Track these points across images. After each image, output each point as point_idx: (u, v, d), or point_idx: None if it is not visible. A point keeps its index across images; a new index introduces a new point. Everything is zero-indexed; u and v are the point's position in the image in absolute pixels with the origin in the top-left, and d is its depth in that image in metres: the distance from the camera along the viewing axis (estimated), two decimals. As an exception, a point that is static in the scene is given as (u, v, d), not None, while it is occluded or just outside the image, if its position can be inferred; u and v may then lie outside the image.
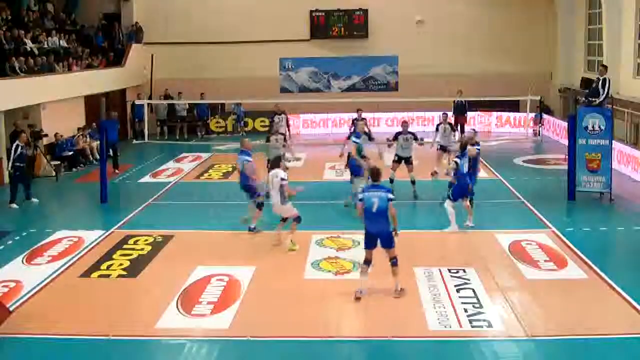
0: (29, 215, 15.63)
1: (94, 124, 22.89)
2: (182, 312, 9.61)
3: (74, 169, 20.80)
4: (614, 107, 17.33)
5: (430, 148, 18.40)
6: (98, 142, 19.98)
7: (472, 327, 9.00)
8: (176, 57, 28.21)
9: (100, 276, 11.23)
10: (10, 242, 13.27)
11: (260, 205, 13.41)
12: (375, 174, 10.16)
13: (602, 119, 15.55)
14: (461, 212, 13.34)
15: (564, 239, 12.68)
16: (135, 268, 11.51)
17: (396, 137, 16.29)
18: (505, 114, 27.50)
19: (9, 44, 20.70)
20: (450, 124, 19.06)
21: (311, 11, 28.42)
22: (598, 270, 10.93)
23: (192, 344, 8.69)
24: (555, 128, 25.12)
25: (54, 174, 19.30)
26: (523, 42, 27.87)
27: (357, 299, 9.93)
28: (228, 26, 28.10)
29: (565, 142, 17.34)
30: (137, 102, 26.55)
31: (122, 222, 14.41)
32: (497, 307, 9.61)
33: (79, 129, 22.37)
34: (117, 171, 20.06)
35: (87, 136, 22.22)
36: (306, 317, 9.41)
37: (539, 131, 26.07)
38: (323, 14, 28.47)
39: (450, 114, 24.83)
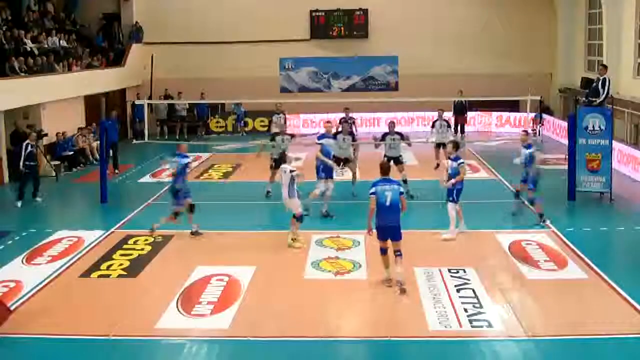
0: (29, 215, 15.64)
1: (94, 123, 22.90)
2: (182, 312, 9.61)
3: (74, 169, 20.81)
4: (614, 107, 17.33)
5: (427, 142, 18.76)
6: (98, 142, 19.99)
7: (472, 327, 9.00)
8: (176, 57, 28.20)
9: (100, 276, 11.23)
10: (10, 242, 13.27)
11: (192, 208, 13.34)
12: (384, 168, 10.46)
13: (602, 119, 15.55)
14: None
15: (564, 239, 12.68)
16: (135, 268, 11.52)
17: (383, 137, 16.33)
18: (505, 114, 27.50)
19: (9, 44, 20.71)
20: (446, 120, 19.35)
21: (311, 11, 28.41)
22: (598, 270, 10.93)
23: (192, 344, 8.69)
24: (555, 128, 25.12)
25: (54, 174, 19.31)
26: (523, 42, 27.86)
27: (403, 290, 10.06)
28: (228, 26, 28.10)
29: (565, 142, 17.33)
30: (137, 102, 26.50)
31: (122, 222, 14.41)
32: (497, 307, 9.61)
33: (79, 129, 22.36)
34: (117, 171, 20.06)
35: (90, 136, 22.20)
36: (306, 317, 9.42)
37: (539, 131, 26.05)
38: (323, 14, 28.46)
39: (450, 114, 25.00)
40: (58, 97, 21.24)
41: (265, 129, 27.72)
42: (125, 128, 26.89)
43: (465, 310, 9.47)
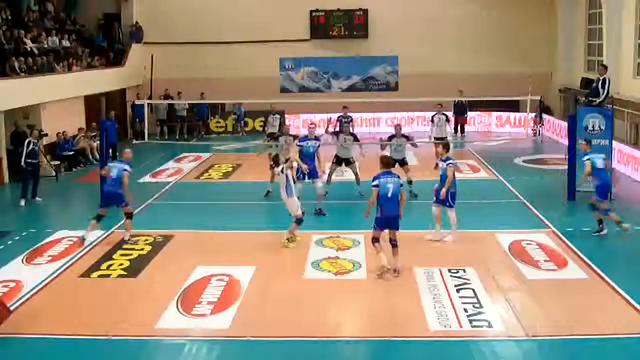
0: (29, 215, 15.64)
1: (94, 123, 22.91)
2: (182, 312, 9.61)
3: (74, 169, 20.81)
4: (614, 107, 17.34)
5: (429, 140, 18.97)
6: (98, 142, 19.99)
7: (472, 327, 9.00)
8: (176, 57, 28.20)
9: (100, 276, 11.23)
10: (10, 242, 13.27)
11: (130, 216, 13.15)
12: (385, 161, 10.94)
13: (602, 119, 15.56)
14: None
15: (564, 239, 12.68)
16: (135, 268, 11.51)
17: (390, 139, 16.42)
18: (505, 114, 27.51)
19: (9, 44, 20.70)
20: (444, 114, 20.02)
21: (311, 11, 28.41)
22: (598, 270, 10.93)
23: (192, 344, 8.69)
24: (555, 128, 25.13)
25: (54, 174, 19.31)
26: (523, 42, 27.87)
27: (395, 270, 10.70)
28: (228, 26, 28.11)
29: (565, 142, 17.34)
30: (137, 102, 26.53)
31: (122, 222, 14.39)
32: (497, 307, 9.61)
33: (79, 129, 22.35)
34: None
35: (91, 137, 22.22)
36: (306, 317, 9.42)
37: (539, 131, 26.07)
38: (323, 14, 28.46)
39: (450, 114, 25.01)
40: (58, 97, 21.24)
41: (279, 115, 27.76)
42: (125, 128, 26.89)
43: (465, 310, 9.47)
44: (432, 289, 10.25)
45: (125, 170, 12.90)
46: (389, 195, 10.58)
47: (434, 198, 12.73)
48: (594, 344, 8.53)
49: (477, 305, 9.66)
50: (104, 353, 8.57)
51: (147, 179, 19.40)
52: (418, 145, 17.85)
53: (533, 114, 25.95)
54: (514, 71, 27.12)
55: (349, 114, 20.60)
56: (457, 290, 10.18)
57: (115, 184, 12.95)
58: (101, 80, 24.77)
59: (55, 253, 12.39)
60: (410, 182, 15.96)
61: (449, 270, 10.97)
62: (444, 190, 12.36)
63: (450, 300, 9.82)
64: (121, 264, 11.70)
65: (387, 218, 10.68)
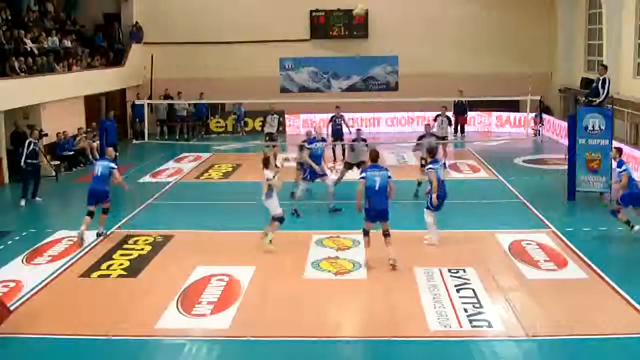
0: (29, 215, 15.64)
1: (94, 123, 22.91)
2: (182, 312, 9.61)
3: (74, 169, 20.81)
4: (614, 107, 17.33)
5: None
6: (98, 142, 20.00)
7: (472, 327, 9.00)
8: (176, 57, 28.20)
9: (100, 276, 11.23)
10: (10, 242, 13.27)
11: (106, 211, 13.41)
12: (374, 155, 11.26)
13: (602, 119, 15.55)
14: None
15: (564, 239, 12.68)
16: (135, 268, 11.51)
17: (420, 139, 16.86)
18: (505, 114, 27.51)
19: (9, 44, 20.70)
20: (447, 116, 20.40)
21: (311, 11, 28.42)
22: (598, 270, 10.93)
23: (192, 344, 8.69)
24: (555, 128, 25.12)
25: (54, 174, 19.31)
26: (523, 42, 27.87)
27: (394, 266, 10.92)
28: (228, 26, 28.11)
29: (565, 142, 17.34)
30: (137, 102, 26.54)
31: (122, 222, 14.41)
32: (497, 307, 9.61)
33: (79, 129, 22.35)
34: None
35: (90, 137, 22.23)
36: (306, 317, 9.41)
37: (539, 131, 26.07)
38: (323, 14, 28.47)
39: (450, 114, 24.99)
40: (58, 97, 21.24)
41: (277, 115, 27.78)
42: (125, 128, 26.89)
43: (465, 310, 9.47)
44: (432, 289, 10.24)
45: (112, 168, 13.32)
46: (376, 188, 10.90)
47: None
48: (594, 344, 8.53)
49: (477, 305, 9.65)
50: (104, 353, 8.57)
51: (147, 179, 19.39)
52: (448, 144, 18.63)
53: (533, 114, 25.96)
54: (514, 71, 27.12)
55: (342, 113, 20.73)
56: (457, 290, 10.17)
57: (100, 181, 13.23)
58: (101, 80, 24.76)
59: (55, 253, 12.38)
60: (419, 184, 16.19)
61: (449, 270, 10.97)
62: (434, 196, 12.19)
63: (450, 300, 9.82)
64: (121, 264, 11.70)
65: (375, 210, 11.00)
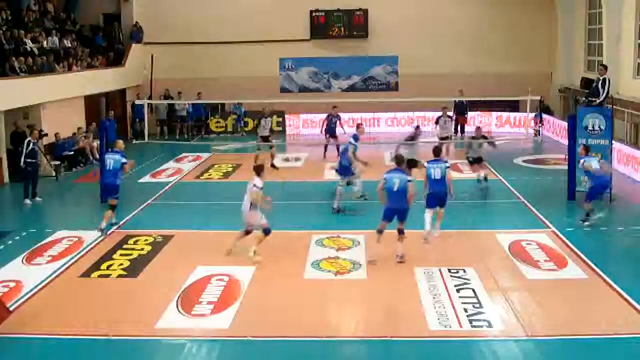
0: (29, 215, 15.64)
1: (94, 123, 22.90)
2: (182, 312, 9.61)
3: (74, 169, 20.81)
4: (614, 107, 17.33)
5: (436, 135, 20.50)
6: (98, 142, 19.96)
7: (472, 327, 9.00)
8: (176, 57, 28.21)
9: (100, 276, 11.23)
10: (10, 242, 13.27)
11: (113, 207, 13.64)
12: (398, 159, 11.92)
13: (602, 119, 15.55)
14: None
15: (564, 239, 12.68)
16: (135, 268, 11.52)
17: (472, 138, 17.82)
18: (505, 114, 27.51)
19: (9, 44, 20.70)
20: (449, 116, 21.38)
21: (311, 11, 28.41)
22: (598, 270, 10.93)
23: (192, 344, 8.69)
24: (555, 128, 25.12)
25: (54, 174, 19.31)
26: (523, 42, 27.87)
27: (399, 256, 11.44)
28: (228, 26, 28.10)
29: (565, 142, 17.34)
30: (137, 102, 26.52)
31: (122, 222, 14.41)
32: (497, 307, 9.61)
33: (79, 128, 22.35)
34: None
35: (90, 136, 22.23)
36: (306, 317, 9.42)
37: (539, 131, 26.06)
38: (323, 14, 28.46)
39: (450, 114, 24.99)
40: (58, 97, 21.24)
41: (271, 118, 27.77)
42: (125, 128, 26.88)
43: (465, 310, 9.47)
44: (432, 289, 10.25)
45: (123, 163, 13.68)
46: (395, 189, 11.32)
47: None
48: (594, 343, 8.53)
49: (477, 305, 9.66)
50: (104, 353, 8.58)
51: (147, 179, 19.39)
52: (497, 146, 19.20)
53: (533, 114, 25.96)
54: (514, 71, 27.12)
55: (339, 113, 21.40)
56: (457, 290, 10.18)
57: (112, 175, 13.63)
58: (101, 80, 24.76)
59: (55, 253, 12.38)
60: (485, 179, 17.07)
61: (449, 270, 10.98)
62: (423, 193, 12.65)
63: (450, 300, 9.82)
64: (121, 264, 11.70)
65: (393, 210, 11.45)
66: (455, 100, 24.96)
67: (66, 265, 11.73)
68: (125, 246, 12.69)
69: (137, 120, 26.58)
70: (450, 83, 25.85)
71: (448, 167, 12.45)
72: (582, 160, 13.78)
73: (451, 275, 10.78)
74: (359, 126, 16.42)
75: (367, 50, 28.60)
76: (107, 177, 13.82)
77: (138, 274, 11.29)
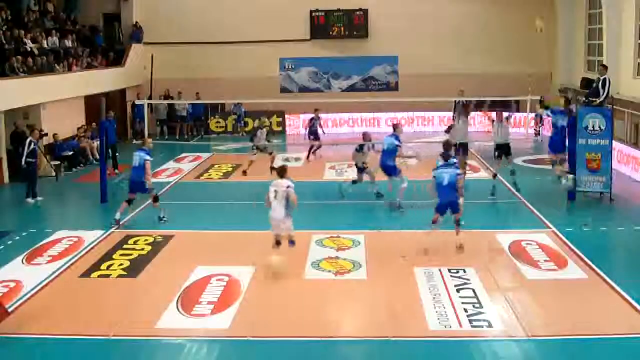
0: (29, 215, 15.64)
1: (94, 123, 22.90)
2: (182, 312, 9.61)
3: (74, 169, 20.81)
4: (614, 107, 17.32)
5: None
6: (98, 142, 19.97)
7: (472, 327, 9.00)
8: (176, 57, 28.21)
9: (100, 276, 11.23)
10: (10, 242, 13.27)
11: (156, 199, 14.34)
12: (445, 156, 12.31)
13: (602, 119, 15.54)
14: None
15: (564, 239, 12.68)
16: (135, 268, 11.51)
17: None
18: (505, 114, 27.40)
19: (9, 44, 20.70)
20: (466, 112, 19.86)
21: (311, 11, 28.42)
22: (598, 270, 10.93)
23: (192, 344, 8.69)
24: (556, 128, 25.06)
25: (54, 174, 19.31)
26: (523, 42, 27.86)
27: (458, 246, 11.90)
28: (228, 26, 28.11)
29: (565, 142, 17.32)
30: (137, 102, 26.52)
31: (122, 222, 14.40)
32: (497, 307, 9.61)
33: (78, 128, 22.35)
34: (117, 171, 20.07)
35: (89, 137, 22.23)
36: (306, 317, 9.42)
37: (539, 131, 26.05)
38: (323, 14, 28.46)
39: (451, 114, 25.00)
40: (58, 97, 21.24)
41: (267, 129, 27.71)
42: (125, 128, 26.89)
43: (465, 310, 9.47)
44: (432, 289, 10.25)
45: (146, 160, 14.03)
46: (444, 183, 11.83)
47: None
48: (594, 343, 8.53)
49: (477, 305, 9.66)
50: (104, 353, 8.58)
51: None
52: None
53: (533, 114, 25.94)
54: (514, 71, 27.12)
55: (320, 115, 22.33)
56: (457, 290, 10.18)
57: (138, 172, 14.06)
58: (101, 80, 24.76)
59: (55, 253, 12.38)
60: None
61: (449, 270, 10.97)
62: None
63: (450, 300, 9.82)
64: (121, 264, 11.70)
65: (445, 204, 11.96)
66: (455, 100, 24.94)
67: (66, 265, 11.73)
68: (125, 246, 12.69)
69: (137, 120, 26.59)
70: (450, 83, 25.84)
71: (459, 174, 12.01)
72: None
73: (451, 275, 10.78)
74: (397, 126, 15.76)
75: (367, 50, 28.58)
76: (134, 174, 14.20)
77: (138, 274, 11.29)
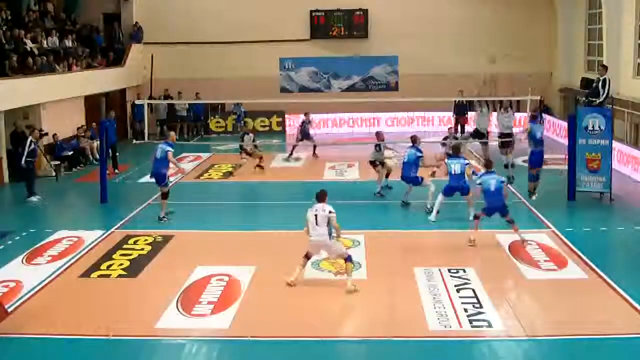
0: (29, 215, 15.64)
1: (94, 123, 22.90)
2: (182, 312, 9.61)
3: (74, 169, 20.81)
4: (614, 107, 17.32)
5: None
6: (98, 142, 19.98)
7: (472, 327, 9.00)
8: (176, 57, 28.19)
9: (100, 276, 11.23)
10: (10, 242, 13.27)
11: (165, 195, 14.43)
12: (487, 164, 12.98)
13: (602, 119, 15.54)
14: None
15: (564, 239, 12.68)
16: (135, 268, 11.51)
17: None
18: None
19: (9, 44, 20.70)
20: (487, 105, 21.03)
21: (311, 11, 28.40)
22: (598, 270, 10.93)
23: (192, 344, 8.69)
24: (555, 128, 25.09)
25: (54, 174, 19.31)
26: (523, 42, 27.86)
27: (524, 241, 12.32)
28: (228, 26, 28.08)
29: (565, 142, 17.32)
30: (137, 102, 26.48)
31: (122, 222, 14.41)
32: (497, 307, 9.61)
33: (78, 128, 22.34)
34: (117, 171, 20.07)
35: (89, 137, 22.23)
36: (306, 317, 9.41)
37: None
38: (323, 14, 28.45)
39: (451, 114, 25.04)
40: (58, 97, 21.23)
41: (267, 129, 27.80)
42: (125, 128, 26.87)
43: (465, 310, 9.47)
44: (432, 289, 10.25)
45: (168, 151, 14.24)
46: (492, 189, 12.38)
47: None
48: (594, 343, 8.53)
49: (477, 305, 9.65)
50: (104, 353, 8.58)
51: (147, 179, 19.18)
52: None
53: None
54: (514, 71, 27.11)
55: (310, 118, 22.42)
56: (457, 290, 10.17)
57: (159, 164, 14.24)
58: (101, 80, 24.76)
59: (55, 253, 12.38)
60: (512, 165, 17.76)
61: (449, 270, 10.97)
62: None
63: (450, 300, 9.82)
64: (121, 264, 11.70)
65: (493, 207, 12.50)
66: (455, 100, 24.95)
67: (66, 265, 11.73)
68: (125, 246, 12.69)
69: (137, 120, 26.57)
70: (450, 83, 25.83)
71: (467, 164, 14.02)
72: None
73: (451, 275, 10.78)
74: (416, 139, 15.39)
75: (367, 50, 28.56)
76: (155, 167, 14.39)
77: (138, 274, 11.29)
